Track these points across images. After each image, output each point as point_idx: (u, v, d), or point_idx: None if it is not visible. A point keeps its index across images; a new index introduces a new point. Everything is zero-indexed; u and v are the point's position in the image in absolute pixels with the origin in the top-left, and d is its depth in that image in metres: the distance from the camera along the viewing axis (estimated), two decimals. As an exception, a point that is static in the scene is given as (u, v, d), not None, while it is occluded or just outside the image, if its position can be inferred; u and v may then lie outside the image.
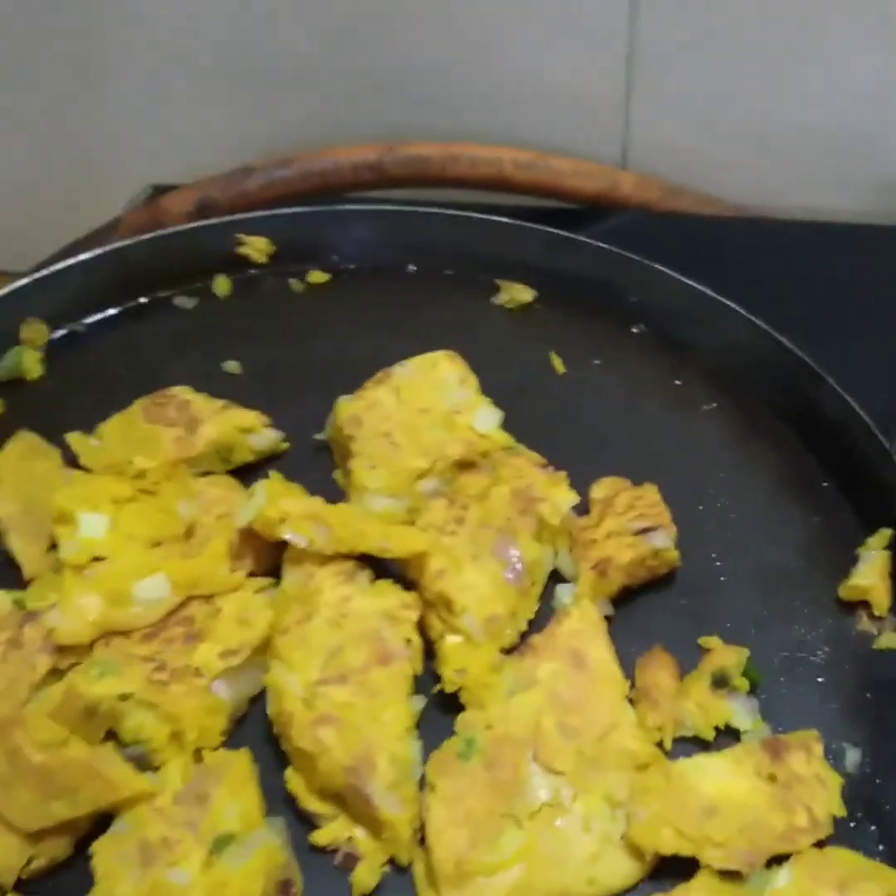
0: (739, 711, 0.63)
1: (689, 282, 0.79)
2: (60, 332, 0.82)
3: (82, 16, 0.96)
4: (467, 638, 0.63)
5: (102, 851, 0.56)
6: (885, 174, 0.99)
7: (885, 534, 0.68)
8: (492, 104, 0.99)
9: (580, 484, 0.70)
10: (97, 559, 0.65)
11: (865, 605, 0.67)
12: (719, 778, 0.59)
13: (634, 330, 0.82)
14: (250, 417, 0.74)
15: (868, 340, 0.85)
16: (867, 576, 0.66)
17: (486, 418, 0.73)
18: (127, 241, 0.85)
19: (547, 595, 0.68)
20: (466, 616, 0.62)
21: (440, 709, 0.62)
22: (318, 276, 0.85)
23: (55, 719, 0.59)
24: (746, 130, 1.00)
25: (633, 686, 0.63)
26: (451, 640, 0.63)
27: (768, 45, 0.93)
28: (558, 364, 0.80)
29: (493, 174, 1.00)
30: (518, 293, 0.84)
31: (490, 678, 0.62)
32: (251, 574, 0.67)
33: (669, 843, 0.57)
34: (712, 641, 0.65)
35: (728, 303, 0.78)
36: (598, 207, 1.01)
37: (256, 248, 0.86)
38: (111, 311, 0.84)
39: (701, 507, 0.72)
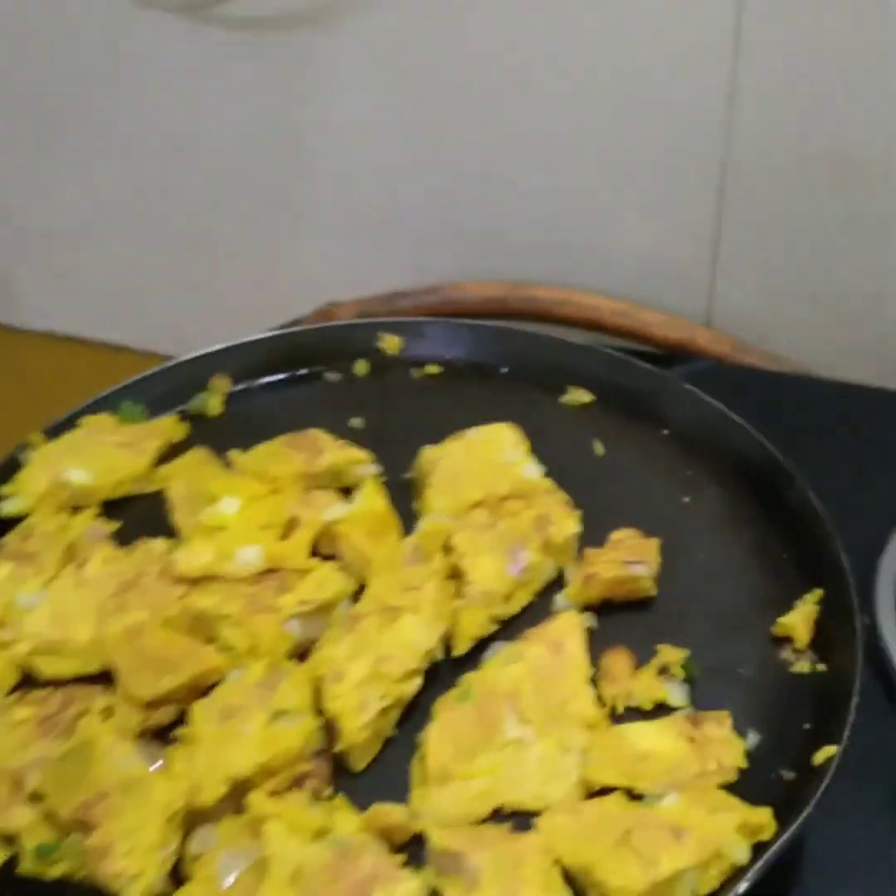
0: (674, 693, 0.82)
1: (709, 399, 1.01)
2: (240, 387, 1.08)
3: (289, 172, 1.29)
4: (468, 603, 0.85)
5: (196, 709, 0.80)
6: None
7: (816, 593, 0.87)
8: (595, 261, 1.25)
9: (593, 532, 0.92)
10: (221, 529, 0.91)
11: (791, 640, 0.85)
12: (650, 737, 0.78)
13: (664, 432, 1.04)
14: (360, 455, 0.98)
15: (864, 487, 1.04)
16: (795, 619, 0.85)
17: (531, 470, 0.96)
18: (299, 328, 1.14)
19: (547, 602, 0.89)
20: (471, 586, 0.85)
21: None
22: (432, 368, 1.10)
23: (172, 625, 0.85)
24: (819, 303, 1.19)
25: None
26: (457, 603, 0.86)
27: (847, 221, 1.12)
28: (599, 448, 1.02)
29: (594, 318, 1.25)
30: (579, 395, 1.07)
31: (476, 632, 0.84)
32: (328, 557, 0.91)
33: (611, 778, 0.76)
34: (664, 647, 0.85)
35: (735, 418, 0.99)
36: (678, 354, 1.25)
37: (390, 344, 1.12)
38: (279, 376, 1.10)
39: (684, 562, 0.92)
